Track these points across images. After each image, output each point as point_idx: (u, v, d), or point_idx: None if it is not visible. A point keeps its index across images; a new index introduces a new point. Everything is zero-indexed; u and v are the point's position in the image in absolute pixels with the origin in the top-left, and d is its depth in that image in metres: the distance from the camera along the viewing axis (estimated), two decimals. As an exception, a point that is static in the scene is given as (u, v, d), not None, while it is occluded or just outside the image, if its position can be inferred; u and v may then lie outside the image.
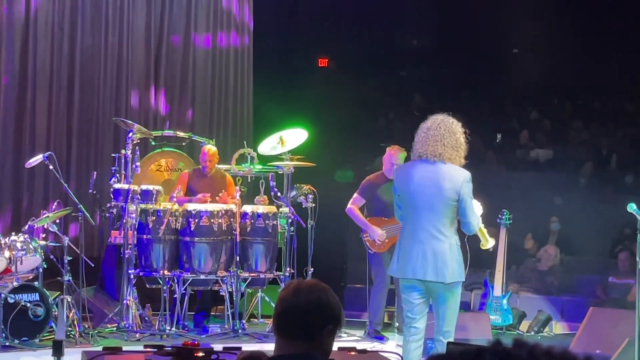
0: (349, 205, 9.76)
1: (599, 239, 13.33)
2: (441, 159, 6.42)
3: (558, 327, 11.06)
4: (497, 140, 16.75)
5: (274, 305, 10.36)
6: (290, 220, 9.97)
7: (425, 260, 6.38)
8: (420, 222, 6.41)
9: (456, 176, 6.41)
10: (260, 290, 10.32)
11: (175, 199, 9.68)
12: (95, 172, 10.40)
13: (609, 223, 13.08)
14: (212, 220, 9.61)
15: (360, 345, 9.36)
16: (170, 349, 4.66)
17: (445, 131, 6.47)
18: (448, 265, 6.36)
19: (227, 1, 13.03)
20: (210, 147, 10.36)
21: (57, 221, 9.28)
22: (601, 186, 14.67)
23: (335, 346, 7.23)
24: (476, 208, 6.57)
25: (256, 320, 10.47)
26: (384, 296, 9.87)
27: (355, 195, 9.79)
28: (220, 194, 10.07)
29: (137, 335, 9.26)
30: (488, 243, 6.91)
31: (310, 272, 9.85)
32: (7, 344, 8.48)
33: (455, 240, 6.45)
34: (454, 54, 17.09)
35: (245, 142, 11.06)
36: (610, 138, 16.22)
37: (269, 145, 10.25)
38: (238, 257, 9.58)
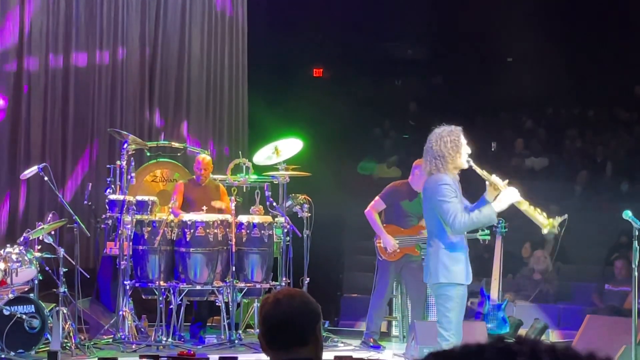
0: (368, 208, 9.64)
1: (595, 247, 13.33)
2: (429, 173, 6.72)
3: (555, 335, 11.05)
4: (492, 149, 16.76)
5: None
6: (286, 230, 9.95)
7: (426, 265, 6.89)
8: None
9: (432, 184, 6.68)
10: (256, 300, 10.29)
11: (170, 207, 9.66)
12: (90, 184, 10.38)
13: (605, 231, 13.08)
14: (207, 231, 9.59)
15: (356, 355, 9.37)
16: (166, 359, 4.66)
17: (428, 147, 6.72)
18: (431, 267, 6.72)
19: (221, 12, 13.05)
20: (205, 156, 10.35)
21: (53, 233, 9.25)
22: (597, 194, 14.69)
23: (332, 355, 7.23)
24: (509, 194, 6.66)
25: (252, 330, 10.44)
26: (384, 304, 9.85)
27: (376, 198, 9.67)
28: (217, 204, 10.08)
29: (133, 347, 9.23)
30: (546, 226, 6.82)
31: (306, 282, 9.82)
32: (2, 356, 8.44)
33: (444, 245, 6.66)
34: (449, 63, 17.12)
35: (240, 152, 11.05)
36: (605, 146, 16.23)
37: (264, 155, 10.25)
38: (234, 268, 9.55)
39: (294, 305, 3.36)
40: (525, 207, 6.77)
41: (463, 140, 6.66)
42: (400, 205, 9.58)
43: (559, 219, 6.84)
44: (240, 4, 13.24)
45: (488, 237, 9.94)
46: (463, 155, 6.64)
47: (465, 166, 6.66)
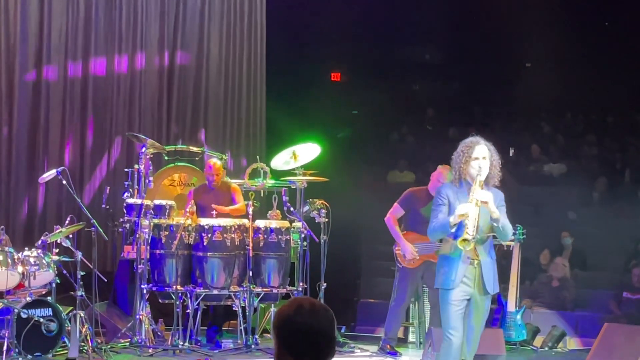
0: (387, 215, 9.65)
1: (613, 254, 13.26)
2: None
3: (572, 343, 11.00)
4: (510, 155, 16.72)
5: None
6: (303, 235, 9.94)
7: None
8: None
9: None
10: (273, 305, 10.27)
11: (188, 214, 9.67)
12: (108, 187, 10.39)
13: (623, 238, 13.01)
14: (225, 235, 9.59)
15: (373, 361, 9.37)
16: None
17: None
18: None
19: (239, 17, 13.06)
20: (216, 161, 10.34)
21: (70, 236, 9.27)
22: (615, 201, 14.61)
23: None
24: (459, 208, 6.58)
25: (269, 335, 10.43)
26: (403, 312, 9.83)
27: (395, 204, 9.69)
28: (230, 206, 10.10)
29: (150, 351, 9.23)
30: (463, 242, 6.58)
31: (323, 287, 9.81)
32: (20, 359, 8.46)
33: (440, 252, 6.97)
34: (467, 68, 17.10)
35: (258, 157, 11.05)
36: (624, 152, 16.17)
37: (281, 160, 10.24)
38: (251, 272, 9.54)
39: (329, 317, 3.34)
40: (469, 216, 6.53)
41: (474, 152, 6.70)
42: (418, 211, 9.53)
43: (472, 245, 6.57)
44: (258, 9, 13.25)
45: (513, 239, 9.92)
46: (470, 166, 6.70)
47: (478, 177, 6.65)
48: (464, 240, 6.45)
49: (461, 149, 6.77)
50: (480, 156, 6.70)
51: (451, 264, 6.70)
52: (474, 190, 6.59)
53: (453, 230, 6.57)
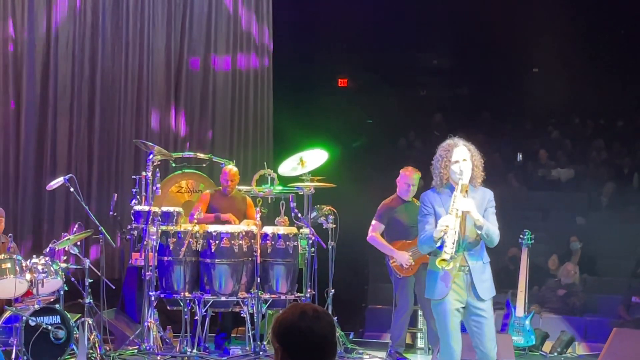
0: (370, 234, 9.64)
1: (622, 259, 13.25)
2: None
3: (581, 348, 10.97)
4: (518, 160, 16.69)
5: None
6: (311, 242, 9.92)
7: None
8: None
9: None
10: (281, 311, 10.24)
11: (195, 219, 9.67)
12: (115, 194, 10.39)
13: (632, 242, 12.99)
14: (232, 242, 9.58)
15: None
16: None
17: None
18: None
19: (246, 23, 13.09)
20: (232, 168, 10.36)
21: (78, 243, 9.28)
22: (623, 205, 14.59)
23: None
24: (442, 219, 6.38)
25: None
26: (407, 319, 9.78)
27: (373, 222, 9.69)
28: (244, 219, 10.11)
29: (159, 358, 9.22)
30: (442, 262, 6.33)
31: (331, 293, 9.79)
32: (28, 366, 8.47)
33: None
34: (474, 73, 17.07)
35: (265, 163, 11.05)
36: (633, 157, 16.14)
37: (289, 166, 10.23)
38: (259, 279, 9.53)
39: (331, 322, 3.34)
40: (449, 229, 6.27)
41: (454, 155, 6.44)
42: (398, 219, 9.55)
43: (451, 264, 6.28)
44: (265, 14, 13.27)
45: None
46: (451, 170, 6.44)
47: (460, 181, 6.38)
48: (442, 260, 6.20)
49: (440, 153, 6.51)
50: (460, 158, 6.41)
51: (438, 275, 6.41)
52: (454, 198, 6.32)
53: (438, 244, 6.29)
